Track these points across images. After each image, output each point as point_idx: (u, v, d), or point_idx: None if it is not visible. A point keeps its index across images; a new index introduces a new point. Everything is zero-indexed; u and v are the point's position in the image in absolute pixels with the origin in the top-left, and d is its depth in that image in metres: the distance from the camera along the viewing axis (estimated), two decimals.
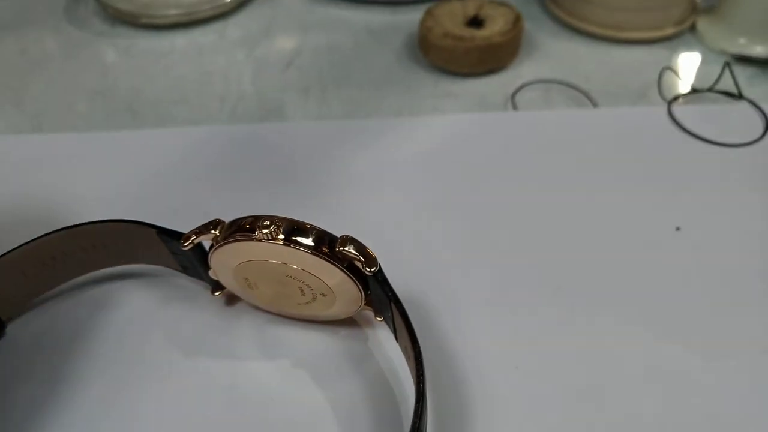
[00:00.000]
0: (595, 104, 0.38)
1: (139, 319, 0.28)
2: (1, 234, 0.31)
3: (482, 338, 0.26)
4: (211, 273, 0.26)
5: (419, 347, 0.22)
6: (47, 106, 0.40)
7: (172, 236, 0.25)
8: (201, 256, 0.26)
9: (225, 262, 0.25)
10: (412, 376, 0.24)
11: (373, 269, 0.23)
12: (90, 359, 0.26)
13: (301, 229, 0.23)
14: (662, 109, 0.37)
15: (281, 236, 0.22)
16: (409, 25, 0.46)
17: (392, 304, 0.23)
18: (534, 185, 0.33)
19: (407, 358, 0.24)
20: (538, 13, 0.47)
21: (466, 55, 0.40)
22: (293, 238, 0.22)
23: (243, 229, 0.23)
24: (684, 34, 0.44)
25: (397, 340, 0.25)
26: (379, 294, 0.24)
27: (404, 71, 0.42)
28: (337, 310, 0.26)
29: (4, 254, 0.25)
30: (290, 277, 0.24)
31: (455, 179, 0.33)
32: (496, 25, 0.40)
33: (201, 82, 0.41)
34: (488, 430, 0.24)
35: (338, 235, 0.23)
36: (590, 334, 0.26)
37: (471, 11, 0.42)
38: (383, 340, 0.26)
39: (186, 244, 0.24)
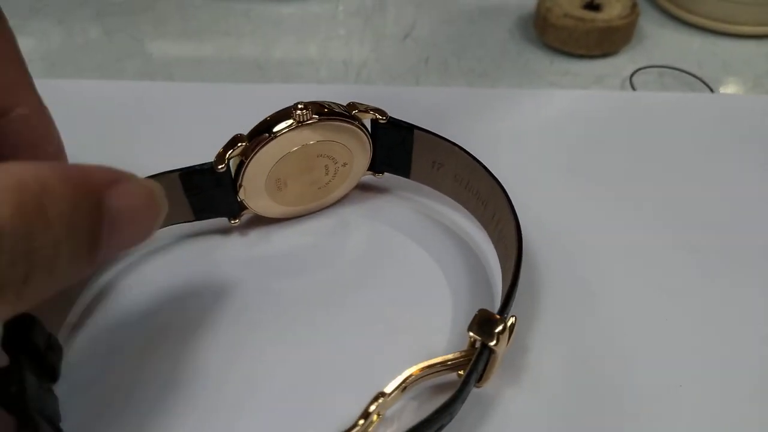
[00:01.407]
0: (712, 90, 0.39)
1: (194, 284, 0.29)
2: None
3: (627, 289, 0.28)
4: (240, 193, 0.27)
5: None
6: (177, 60, 0.41)
7: (194, 172, 0.26)
8: (221, 181, 0.27)
9: (259, 169, 0.27)
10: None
11: (385, 116, 0.28)
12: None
13: (324, 105, 0.27)
14: None
15: (315, 116, 0.26)
16: (517, 8, 0.47)
17: (414, 131, 0.28)
18: (657, 165, 0.34)
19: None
20: (644, 4, 0.48)
21: (586, 36, 0.41)
22: (323, 112, 0.27)
23: (273, 125, 0.26)
24: None
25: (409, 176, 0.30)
26: (391, 137, 0.29)
27: (518, 49, 0.43)
28: (352, 179, 0.30)
29: None
30: (320, 155, 0.28)
31: (580, 151, 0.34)
32: (614, 10, 0.42)
33: (323, 47, 0.43)
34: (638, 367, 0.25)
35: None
36: (729, 295, 0.28)
37: None
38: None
39: (221, 166, 0.26)
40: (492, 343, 0.21)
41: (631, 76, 0.40)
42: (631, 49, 0.43)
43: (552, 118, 0.37)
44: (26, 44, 0.40)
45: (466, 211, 0.29)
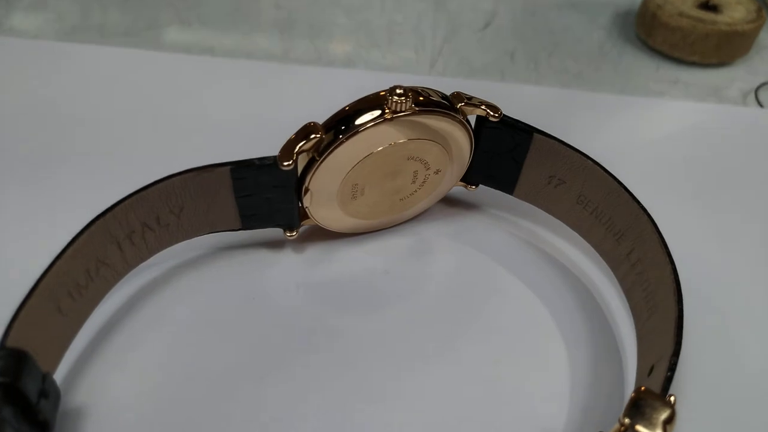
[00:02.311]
0: None
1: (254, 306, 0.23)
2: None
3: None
4: (305, 199, 0.21)
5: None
6: (221, 31, 0.35)
7: (251, 166, 0.20)
8: (283, 181, 0.21)
9: (334, 171, 0.21)
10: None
11: (499, 113, 0.22)
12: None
13: (421, 92, 0.21)
14: None
15: (413, 105, 0.20)
16: (612, 3, 0.41)
17: (534, 134, 0.22)
18: None
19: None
20: None
21: (704, 40, 0.34)
22: (422, 102, 0.20)
23: (356, 115, 0.20)
24: None
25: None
26: (500, 141, 0.23)
27: (618, 50, 0.37)
28: (440, 190, 0.24)
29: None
30: (411, 158, 0.22)
31: (705, 175, 0.28)
32: (736, 12, 0.35)
33: (390, 30, 0.37)
34: None
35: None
36: None
37: None
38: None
39: (288, 162, 0.20)
40: None
41: (757, 89, 0.34)
42: (749, 59, 0.37)
43: (667, 133, 0.30)
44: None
45: (584, 243, 0.23)
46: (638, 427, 0.16)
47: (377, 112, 0.20)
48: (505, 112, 0.22)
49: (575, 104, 0.32)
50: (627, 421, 0.16)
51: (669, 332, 0.18)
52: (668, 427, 0.16)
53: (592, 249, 0.23)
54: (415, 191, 0.23)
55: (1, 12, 0.35)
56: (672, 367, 0.17)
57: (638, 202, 0.20)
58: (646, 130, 0.31)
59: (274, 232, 0.23)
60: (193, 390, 0.19)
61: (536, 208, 0.24)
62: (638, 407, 0.16)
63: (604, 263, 0.22)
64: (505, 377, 0.20)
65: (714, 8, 0.36)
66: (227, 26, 0.36)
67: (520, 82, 0.33)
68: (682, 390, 0.20)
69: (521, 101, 0.31)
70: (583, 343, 0.21)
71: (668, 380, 0.16)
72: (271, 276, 0.23)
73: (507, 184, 0.24)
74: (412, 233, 0.24)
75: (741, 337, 0.22)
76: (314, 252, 0.23)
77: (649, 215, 0.20)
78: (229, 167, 0.20)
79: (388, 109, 0.20)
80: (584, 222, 0.22)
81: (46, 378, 0.17)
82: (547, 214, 0.24)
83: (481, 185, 0.24)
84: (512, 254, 0.24)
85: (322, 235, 0.24)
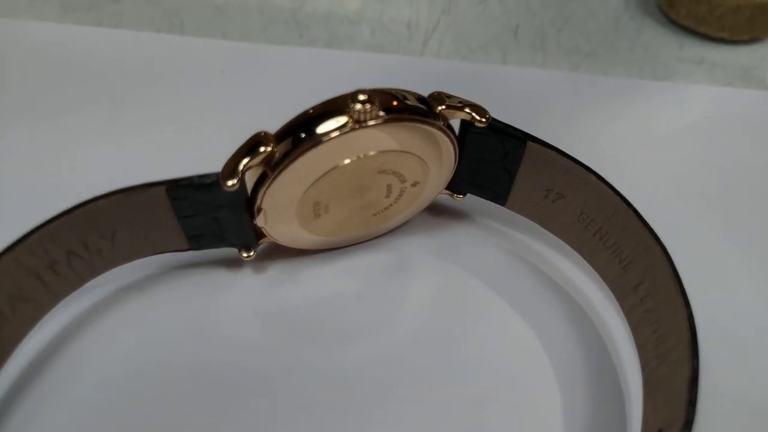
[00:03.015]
0: None
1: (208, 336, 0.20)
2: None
3: None
4: (259, 219, 0.18)
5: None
6: (189, 5, 0.32)
7: (188, 186, 0.17)
8: (230, 202, 0.18)
9: (290, 189, 0.18)
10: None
11: (486, 117, 0.18)
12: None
13: (395, 94, 0.17)
14: None
15: (381, 113, 0.17)
16: None
17: (527, 143, 0.19)
18: None
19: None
20: None
21: (734, 12, 0.30)
22: (393, 108, 0.17)
23: (317, 122, 0.17)
24: None
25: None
26: (489, 148, 0.19)
27: (636, 25, 0.33)
28: (422, 201, 0.21)
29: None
30: (383, 171, 0.19)
31: (724, 165, 0.25)
32: None
33: (380, 1, 0.33)
34: None
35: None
36: None
37: None
38: None
39: (231, 182, 0.16)
40: None
41: None
42: None
43: (688, 124, 0.27)
44: None
45: (587, 265, 0.20)
46: None
47: (342, 120, 0.17)
48: (507, 98, 0.19)
49: (585, 91, 0.28)
50: None
51: (681, 392, 0.15)
52: None
53: (592, 271, 0.20)
54: (391, 205, 0.20)
55: None
56: (687, 422, 0.14)
57: (650, 229, 0.17)
58: (664, 121, 0.27)
59: (231, 251, 0.20)
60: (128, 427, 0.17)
61: (528, 220, 0.21)
62: None
63: (608, 290, 0.19)
64: (490, 423, 0.17)
65: None
66: None
67: (523, 64, 0.30)
68: None
69: (525, 87, 0.28)
70: (578, 380, 0.18)
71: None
72: (227, 301, 0.20)
73: (498, 195, 0.21)
74: (389, 248, 0.21)
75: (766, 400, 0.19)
76: (276, 272, 0.21)
77: (662, 246, 0.17)
78: (163, 187, 0.17)
79: (351, 118, 0.17)
80: (586, 243, 0.19)
81: None
82: (543, 229, 0.21)
83: (469, 194, 0.21)
84: (504, 274, 0.21)
85: (286, 252, 0.21)
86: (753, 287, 0.21)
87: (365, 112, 0.16)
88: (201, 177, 0.17)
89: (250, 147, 0.17)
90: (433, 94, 0.18)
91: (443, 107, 0.18)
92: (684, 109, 0.28)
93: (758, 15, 0.30)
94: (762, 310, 0.20)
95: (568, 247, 0.20)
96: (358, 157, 0.18)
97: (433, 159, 0.19)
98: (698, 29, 0.32)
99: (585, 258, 0.20)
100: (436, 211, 0.22)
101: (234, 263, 0.21)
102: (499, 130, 0.19)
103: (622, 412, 0.18)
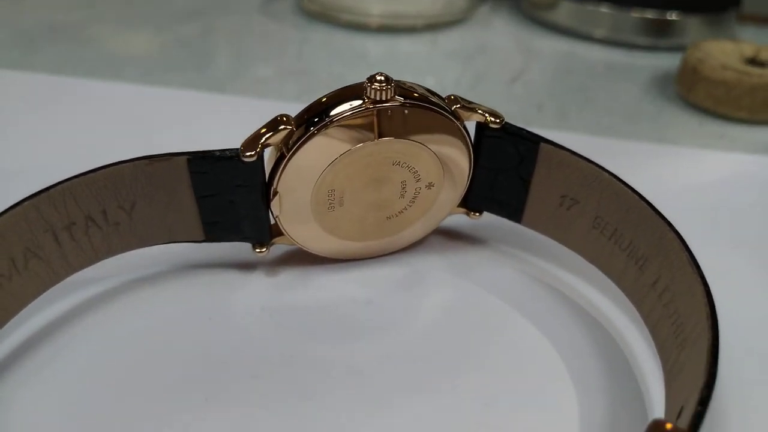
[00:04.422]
0: None
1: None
2: None
3: None
4: (274, 205, 0.18)
5: None
6: (233, 73, 0.35)
7: (211, 158, 0.18)
8: (247, 178, 0.18)
9: (305, 171, 0.18)
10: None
11: (499, 120, 0.19)
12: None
13: (413, 88, 0.18)
14: None
15: (399, 97, 0.18)
16: (652, 67, 0.39)
17: (540, 144, 0.19)
18: None
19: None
20: None
21: (751, 93, 0.31)
22: (411, 96, 0.18)
23: (332, 106, 0.18)
24: None
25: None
26: (504, 153, 0.20)
27: (656, 107, 0.34)
28: (436, 212, 0.21)
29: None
30: (397, 162, 0.19)
31: (743, 222, 0.24)
32: None
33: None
34: None
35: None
36: None
37: (748, 52, 0.34)
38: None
39: (250, 153, 0.17)
40: None
41: None
42: None
43: (710, 180, 0.27)
44: None
45: (604, 279, 0.19)
46: None
47: (357, 102, 0.18)
48: None
49: (608, 151, 0.29)
50: None
51: (701, 363, 0.14)
52: None
53: (612, 286, 0.19)
54: (405, 208, 0.20)
55: None
56: (703, 401, 0.13)
57: (662, 217, 0.17)
58: (687, 177, 0.27)
59: (245, 252, 0.21)
60: (124, 413, 0.16)
61: (548, 240, 0.21)
62: None
63: (625, 303, 0.19)
64: (501, 427, 0.16)
65: (762, 64, 0.33)
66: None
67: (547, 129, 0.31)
68: None
69: None
70: (596, 386, 0.17)
71: (698, 416, 0.12)
72: (235, 297, 0.20)
73: (514, 210, 0.21)
74: (404, 264, 0.21)
75: None
76: (288, 276, 0.21)
77: (675, 230, 0.16)
78: (186, 157, 0.18)
79: (368, 98, 0.17)
80: (603, 250, 0.19)
81: None
82: (560, 248, 0.21)
83: (485, 214, 0.21)
84: (518, 290, 0.20)
85: (301, 259, 0.21)
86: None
87: (382, 90, 0.17)
88: (223, 150, 0.18)
89: (272, 125, 0.18)
90: (449, 96, 0.19)
91: (458, 106, 0.19)
92: (705, 169, 0.28)
93: None
94: None
95: (584, 266, 0.20)
96: (374, 142, 0.18)
97: (450, 160, 0.19)
98: (717, 110, 0.33)
99: (602, 269, 0.19)
100: (451, 235, 0.23)
101: (246, 266, 0.21)
102: (513, 133, 0.19)
103: (642, 400, 0.16)
